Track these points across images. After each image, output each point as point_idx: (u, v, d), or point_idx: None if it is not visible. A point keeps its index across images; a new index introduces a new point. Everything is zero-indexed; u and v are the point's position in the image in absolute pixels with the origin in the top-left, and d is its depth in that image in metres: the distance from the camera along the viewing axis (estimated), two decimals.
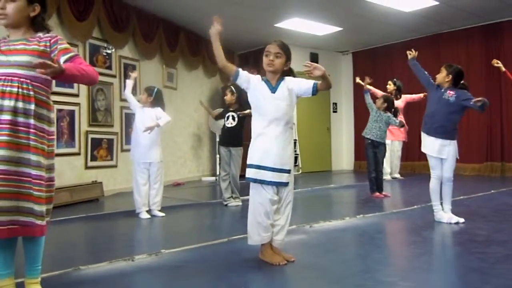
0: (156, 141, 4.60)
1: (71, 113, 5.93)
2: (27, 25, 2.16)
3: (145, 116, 4.57)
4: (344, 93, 10.73)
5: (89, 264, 2.72)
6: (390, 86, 7.62)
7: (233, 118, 5.23)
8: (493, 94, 8.15)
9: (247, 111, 4.90)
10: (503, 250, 2.98)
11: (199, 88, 9.00)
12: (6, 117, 2.00)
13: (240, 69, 2.80)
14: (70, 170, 5.84)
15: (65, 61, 2.09)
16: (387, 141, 7.37)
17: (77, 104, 6.02)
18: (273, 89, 2.79)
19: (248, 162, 2.73)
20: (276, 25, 8.03)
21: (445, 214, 3.92)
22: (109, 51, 6.61)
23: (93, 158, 6.27)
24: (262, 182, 2.69)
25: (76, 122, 5.99)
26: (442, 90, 4.03)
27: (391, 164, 7.63)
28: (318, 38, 9.07)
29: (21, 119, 2.02)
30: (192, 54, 8.48)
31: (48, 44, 2.13)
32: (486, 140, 8.20)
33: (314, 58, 10.15)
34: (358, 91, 10.31)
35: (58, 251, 2.21)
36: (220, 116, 5.54)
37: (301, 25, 8.15)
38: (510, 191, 5.89)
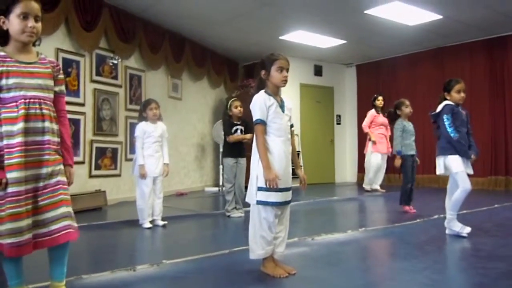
0: (162, 155, 4.68)
1: (77, 122, 5.98)
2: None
3: (158, 130, 4.63)
4: (348, 105, 10.75)
5: (91, 273, 2.73)
6: (380, 101, 7.76)
7: (241, 131, 5.24)
8: (497, 108, 8.17)
9: (248, 136, 5.01)
10: (506, 265, 2.97)
11: (204, 98, 9.06)
12: (47, 137, 2.12)
13: (259, 119, 2.72)
14: (74, 179, 5.85)
15: (58, 92, 2.23)
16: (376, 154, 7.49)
17: (83, 113, 6.07)
18: (282, 108, 2.80)
19: (259, 185, 2.69)
20: (281, 37, 8.10)
21: (458, 224, 3.90)
22: (115, 61, 6.67)
23: (97, 167, 6.30)
24: (273, 204, 2.69)
25: (81, 131, 6.03)
26: (461, 109, 3.92)
27: (378, 175, 7.74)
28: (322, 51, 9.13)
29: (46, 138, 2.12)
30: (197, 65, 8.55)
31: (55, 70, 2.22)
32: (490, 154, 8.19)
33: (318, 70, 10.22)
34: (362, 103, 10.36)
35: None
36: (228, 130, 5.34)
37: (305, 38, 8.22)
38: None
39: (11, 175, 2.00)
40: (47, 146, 2.10)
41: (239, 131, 5.24)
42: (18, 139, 2.03)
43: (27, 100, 2.07)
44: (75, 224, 2.14)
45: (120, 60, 6.75)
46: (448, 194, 3.98)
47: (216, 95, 9.47)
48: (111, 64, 6.62)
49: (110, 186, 6.39)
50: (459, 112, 3.87)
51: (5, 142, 2.04)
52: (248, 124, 5.12)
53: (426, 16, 7.03)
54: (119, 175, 6.66)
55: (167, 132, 4.77)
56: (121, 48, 6.69)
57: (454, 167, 3.81)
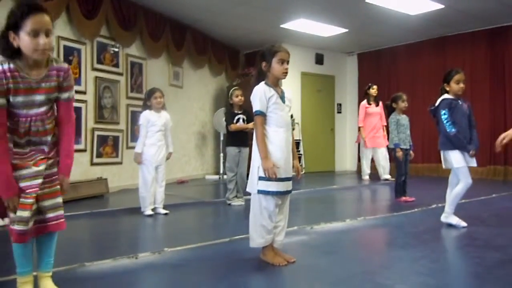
0: (165, 144, 4.73)
1: (78, 110, 6.00)
2: None
3: (162, 119, 4.67)
4: (348, 94, 10.76)
5: (93, 261, 2.78)
6: (374, 90, 7.82)
7: (243, 120, 5.26)
8: (497, 97, 8.18)
9: (251, 125, 4.99)
10: (501, 255, 3.02)
11: (205, 87, 9.07)
12: (47, 149, 2.15)
13: (259, 111, 2.74)
14: (75, 166, 5.83)
15: (63, 99, 2.16)
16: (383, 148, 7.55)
17: (84, 101, 6.09)
18: (283, 99, 2.83)
19: (260, 174, 2.72)
20: (282, 26, 8.07)
21: (455, 217, 3.95)
22: (116, 49, 6.68)
23: (99, 155, 6.35)
24: (273, 193, 2.73)
25: (82, 119, 6.06)
26: (459, 102, 3.90)
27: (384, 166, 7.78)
28: (324, 39, 9.11)
29: (47, 149, 2.16)
30: (198, 53, 8.54)
31: (61, 79, 2.13)
32: (489, 144, 8.19)
33: (319, 58, 10.20)
34: (363, 92, 10.33)
35: (63, 247, 2.28)
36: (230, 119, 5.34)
37: (307, 26, 8.19)
38: (511, 196, 5.92)
39: (23, 171, 2.06)
40: (48, 152, 2.16)
41: (241, 120, 5.26)
42: (28, 149, 2.11)
43: (29, 118, 2.08)
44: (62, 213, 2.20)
45: (121, 47, 6.75)
46: (450, 186, 4.01)
47: (217, 83, 9.47)
48: (112, 52, 6.62)
49: (112, 174, 6.44)
50: (458, 105, 3.86)
51: (14, 150, 2.08)
52: (250, 113, 5.13)
53: (427, 6, 7.00)
54: (120, 163, 6.71)
55: (171, 121, 4.81)
56: (122, 36, 6.68)
57: (455, 162, 3.83)
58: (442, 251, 3.44)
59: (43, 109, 2.10)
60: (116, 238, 3.81)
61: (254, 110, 2.77)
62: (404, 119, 5.45)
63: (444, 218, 4.00)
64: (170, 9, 7.30)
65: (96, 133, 6.30)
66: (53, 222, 2.14)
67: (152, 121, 4.59)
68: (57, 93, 2.14)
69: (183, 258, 2.97)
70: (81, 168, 5.98)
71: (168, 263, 2.89)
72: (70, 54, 5.92)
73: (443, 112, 3.84)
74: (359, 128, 8.07)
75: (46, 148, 2.15)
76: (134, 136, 6.30)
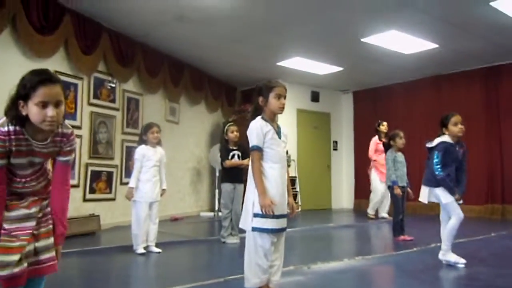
0: (159, 180, 4.65)
1: None
2: None
3: (157, 155, 4.61)
4: (344, 131, 10.79)
5: None
6: (384, 127, 7.69)
7: (238, 156, 5.23)
8: (493, 135, 8.21)
9: (246, 161, 4.92)
10: None
11: (201, 123, 9.07)
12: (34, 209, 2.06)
13: (256, 146, 2.72)
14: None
15: (60, 161, 2.10)
16: (382, 183, 7.42)
17: (79, 136, 6.04)
18: (279, 134, 2.81)
19: (255, 211, 2.66)
20: (278, 63, 8.17)
21: (453, 254, 3.87)
22: (113, 85, 6.70)
23: (92, 191, 6.24)
24: (268, 231, 2.66)
25: (77, 154, 6.00)
26: (456, 148, 3.90)
27: (384, 203, 7.64)
28: (319, 77, 9.21)
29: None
30: (195, 89, 8.59)
31: (63, 145, 2.08)
32: (486, 182, 8.18)
33: (315, 96, 10.29)
34: (359, 129, 10.40)
35: (51, 286, 2.18)
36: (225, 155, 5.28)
37: (302, 64, 8.29)
38: (511, 235, 5.83)
39: (14, 213, 1.98)
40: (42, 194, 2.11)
41: (236, 156, 5.23)
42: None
43: (23, 180, 2.04)
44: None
45: (118, 83, 6.77)
46: (442, 224, 3.96)
47: (213, 119, 9.49)
48: (109, 87, 6.64)
49: (105, 210, 6.32)
50: (454, 151, 3.86)
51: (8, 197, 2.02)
52: (245, 149, 5.11)
53: (422, 46, 7.12)
54: (113, 199, 6.59)
55: (165, 156, 4.76)
56: (120, 72, 6.72)
57: (443, 198, 3.83)
58: None
59: (37, 167, 2.07)
60: (106, 277, 3.69)
61: (251, 145, 2.74)
62: (401, 156, 5.45)
63: (441, 255, 3.92)
64: (168, 46, 7.39)
65: (90, 168, 6.23)
66: (47, 264, 2.03)
67: (147, 156, 4.54)
68: (56, 155, 2.09)
69: None
70: (73, 204, 5.86)
71: None
72: (66, 88, 5.92)
73: (436, 154, 3.84)
74: (369, 162, 7.86)
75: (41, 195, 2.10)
76: (128, 172, 6.23)
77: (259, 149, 2.71)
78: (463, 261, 3.81)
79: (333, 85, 10.11)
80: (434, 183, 3.86)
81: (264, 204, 2.60)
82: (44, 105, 1.87)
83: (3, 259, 1.90)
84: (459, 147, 3.90)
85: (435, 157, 3.83)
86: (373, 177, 7.71)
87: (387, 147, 5.59)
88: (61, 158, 2.10)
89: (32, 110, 1.88)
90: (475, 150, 8.20)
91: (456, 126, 3.85)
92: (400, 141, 5.44)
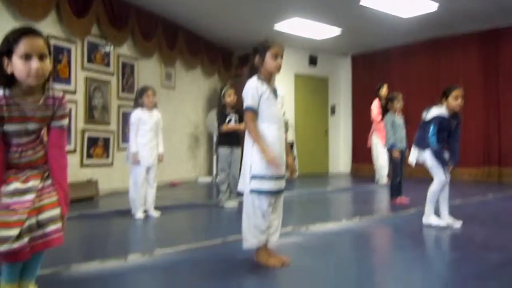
0: (157, 144, 4.62)
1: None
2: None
3: (154, 118, 4.55)
4: (342, 95, 10.71)
5: (80, 263, 2.67)
6: (385, 90, 7.49)
7: (235, 121, 5.18)
8: (490, 99, 8.17)
9: (243, 126, 4.82)
10: (501, 255, 2.95)
11: (197, 88, 8.97)
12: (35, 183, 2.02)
13: (250, 107, 2.66)
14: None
15: (54, 127, 2.07)
16: (383, 147, 7.26)
17: (74, 101, 5.97)
18: (275, 94, 2.75)
19: (253, 173, 2.64)
20: (276, 27, 8.00)
21: (435, 217, 3.91)
22: (107, 49, 6.57)
23: (89, 156, 6.22)
24: (266, 193, 2.65)
25: (72, 120, 5.93)
26: (450, 122, 3.88)
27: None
28: (317, 41, 9.04)
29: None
30: (191, 53, 8.44)
31: (55, 109, 2.05)
32: (483, 145, 8.20)
33: (313, 60, 10.15)
34: (357, 93, 10.33)
35: (50, 249, 2.17)
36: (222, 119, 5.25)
37: (300, 28, 8.12)
38: (507, 197, 5.88)
39: (11, 186, 1.95)
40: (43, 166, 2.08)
41: (233, 120, 5.18)
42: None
43: (20, 148, 2.00)
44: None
45: (112, 47, 6.64)
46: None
47: (210, 84, 9.38)
48: (103, 51, 6.51)
49: (102, 176, 6.30)
50: (448, 124, 3.85)
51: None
52: (242, 114, 5.04)
53: (421, 9, 6.96)
54: (111, 165, 6.58)
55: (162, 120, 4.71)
56: (114, 35, 6.57)
57: (430, 161, 3.86)
58: (441, 251, 3.38)
59: (33, 136, 2.03)
60: (105, 240, 3.70)
61: (244, 106, 2.68)
62: (399, 119, 5.40)
63: (424, 219, 3.97)
64: (162, 8, 7.21)
65: (87, 134, 6.18)
66: (52, 237, 1.99)
67: (143, 119, 4.49)
68: (50, 121, 2.05)
69: (174, 260, 2.87)
70: (71, 169, 5.74)
71: (158, 265, 2.79)
72: (60, 53, 5.81)
73: (433, 126, 3.82)
74: (371, 126, 7.57)
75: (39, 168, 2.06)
76: (125, 137, 6.19)
77: (252, 110, 2.66)
78: (444, 224, 3.85)
79: (331, 49, 9.96)
80: (424, 146, 3.88)
81: (269, 158, 2.56)
82: (27, 57, 1.86)
83: (3, 234, 1.86)
84: (454, 119, 3.89)
85: (431, 128, 3.83)
86: (375, 142, 7.46)
87: (385, 110, 5.54)
88: (55, 124, 2.07)
89: (16, 65, 1.87)
90: (472, 113, 8.19)
91: (456, 101, 3.81)
92: (399, 104, 5.39)
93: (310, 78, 10.15)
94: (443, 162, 3.82)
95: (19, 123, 1.96)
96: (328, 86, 10.59)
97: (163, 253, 2.96)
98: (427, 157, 3.87)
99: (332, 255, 3.09)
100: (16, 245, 1.87)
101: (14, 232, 1.87)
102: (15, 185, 1.96)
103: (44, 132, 2.11)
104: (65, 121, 2.10)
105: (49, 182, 2.06)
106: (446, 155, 3.88)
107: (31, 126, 2.00)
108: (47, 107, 2.02)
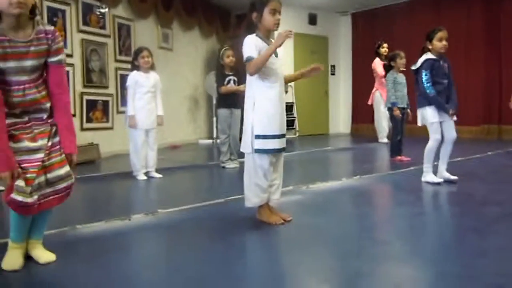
0: (155, 106, 4.58)
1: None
2: (27, 14, 1.98)
3: (151, 80, 4.49)
4: (342, 55, 10.57)
5: (85, 223, 2.72)
6: (385, 49, 7.36)
7: (234, 82, 5.13)
8: (492, 57, 8.06)
9: (242, 87, 4.78)
10: (500, 209, 2.99)
11: (195, 49, 8.84)
12: (45, 116, 2.07)
13: (251, 56, 2.57)
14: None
15: (51, 63, 2.06)
16: (383, 104, 7.17)
17: (71, 64, 5.90)
18: (275, 53, 2.69)
19: (256, 133, 2.62)
20: None
21: (432, 175, 3.93)
22: (102, 10, 6.43)
23: (89, 120, 6.21)
24: (271, 151, 2.65)
25: (70, 83, 5.87)
26: (441, 62, 3.83)
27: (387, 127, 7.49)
28: None
29: (45, 116, 2.07)
30: (188, 14, 8.27)
31: (50, 42, 2.03)
32: (483, 103, 8.15)
33: (312, 19, 9.96)
34: (357, 53, 10.19)
35: (54, 211, 2.20)
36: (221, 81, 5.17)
37: None
38: (506, 153, 5.90)
39: (22, 144, 1.96)
40: (47, 119, 2.07)
41: (232, 81, 5.13)
42: (25, 118, 2.01)
43: (22, 87, 1.98)
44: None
45: (107, 9, 6.50)
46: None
47: (208, 45, 9.24)
48: (98, 13, 6.38)
49: (103, 139, 6.31)
50: (439, 66, 3.79)
51: (10, 120, 1.97)
52: (241, 75, 5.00)
53: None
54: (111, 128, 6.58)
55: (160, 82, 4.66)
56: None
57: (430, 117, 3.81)
58: (440, 207, 3.42)
59: (35, 75, 2.02)
60: (108, 202, 3.75)
61: (246, 57, 2.59)
62: (402, 77, 5.35)
63: (422, 177, 4.00)
64: None
65: (85, 97, 6.14)
66: (61, 194, 2.07)
67: (140, 82, 4.44)
68: (47, 57, 2.04)
69: (177, 220, 2.92)
70: None
71: (161, 225, 2.83)
72: (54, 15, 5.69)
73: (424, 73, 3.79)
74: (375, 88, 7.46)
75: (44, 115, 2.05)
76: (124, 101, 6.14)
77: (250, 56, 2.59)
78: (438, 180, 3.87)
79: (331, 6, 9.74)
80: (425, 102, 3.83)
81: (282, 34, 2.51)
82: None
83: (21, 184, 1.91)
84: (443, 61, 3.84)
85: (423, 75, 3.78)
86: (378, 100, 7.36)
87: (387, 68, 5.47)
88: (52, 59, 2.06)
89: None
90: (474, 70, 8.12)
91: (440, 42, 3.76)
92: (401, 61, 5.32)
93: (309, 38, 9.98)
94: (443, 108, 3.76)
95: (15, 60, 1.95)
96: (328, 46, 10.43)
97: (166, 212, 3.00)
98: (428, 113, 3.81)
99: (333, 212, 3.13)
100: (30, 200, 1.92)
101: (29, 189, 1.92)
102: (26, 143, 1.97)
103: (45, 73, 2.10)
104: (62, 56, 2.10)
105: (57, 139, 2.07)
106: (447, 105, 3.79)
107: (28, 62, 1.99)
108: (40, 40, 2.01)
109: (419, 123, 3.97)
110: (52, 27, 2.09)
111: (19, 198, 1.90)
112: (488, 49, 8.08)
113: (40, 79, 2.06)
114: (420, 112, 3.92)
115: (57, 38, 2.07)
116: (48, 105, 2.07)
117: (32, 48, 1.98)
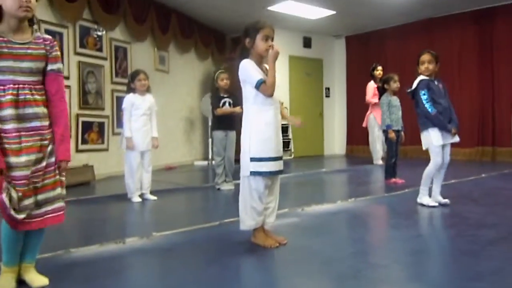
0: (151, 128, 4.60)
1: None
2: (28, 21, 2.07)
3: (147, 103, 4.53)
4: (337, 77, 10.68)
5: (79, 247, 2.69)
6: (379, 72, 7.45)
7: (230, 104, 5.17)
8: (485, 78, 8.17)
9: (238, 109, 4.86)
10: (494, 232, 3.00)
11: (192, 71, 8.92)
12: (44, 123, 2.07)
13: (261, 78, 2.63)
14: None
15: (51, 71, 2.10)
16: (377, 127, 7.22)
17: (68, 86, 5.92)
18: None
19: (252, 155, 2.64)
20: (269, 8, 7.93)
21: (428, 198, 3.95)
22: (99, 33, 6.50)
23: (84, 142, 6.21)
24: (266, 174, 2.66)
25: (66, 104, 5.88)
26: (436, 82, 3.88)
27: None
28: (311, 22, 8.98)
29: (44, 123, 2.07)
30: (184, 36, 8.37)
31: (48, 48, 2.09)
32: (477, 125, 8.22)
33: (307, 42, 10.10)
34: (351, 75, 10.30)
35: (48, 234, 2.19)
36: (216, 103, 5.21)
37: (294, 9, 8.05)
38: (500, 175, 5.94)
39: (13, 159, 1.96)
40: (46, 131, 2.07)
41: (227, 103, 5.17)
42: (12, 125, 1.98)
43: (16, 86, 1.99)
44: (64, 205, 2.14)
45: (104, 31, 6.57)
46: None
47: (204, 67, 9.32)
48: (95, 36, 6.44)
49: (98, 161, 6.31)
50: (434, 86, 3.84)
51: None
52: (236, 97, 5.05)
53: None
54: (106, 150, 6.57)
55: (156, 105, 4.69)
56: (105, 19, 6.50)
57: (434, 140, 3.82)
58: (435, 230, 3.42)
59: (32, 78, 2.04)
60: (102, 224, 3.72)
61: (255, 81, 2.61)
62: (396, 100, 5.41)
63: (418, 199, 4.02)
64: None
65: (81, 119, 6.15)
66: (53, 215, 2.07)
67: (136, 104, 4.47)
68: (45, 62, 2.08)
69: (172, 242, 2.90)
70: None
71: (156, 248, 2.81)
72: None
73: (422, 92, 3.83)
74: (367, 108, 7.52)
75: (37, 123, 2.04)
76: (120, 122, 6.16)
77: (264, 82, 2.62)
78: (434, 203, 3.89)
79: (325, 30, 9.89)
80: (428, 124, 3.84)
81: (271, 54, 2.62)
82: None
83: (14, 195, 1.93)
84: (438, 82, 3.89)
85: (422, 95, 3.81)
86: (372, 124, 7.38)
87: (381, 91, 5.54)
88: (51, 67, 2.11)
89: None
90: (467, 92, 8.21)
91: (422, 65, 3.85)
92: (395, 85, 5.40)
93: (304, 60, 10.10)
94: (445, 127, 3.76)
95: (10, 60, 1.98)
96: (323, 68, 10.55)
97: (161, 235, 2.98)
98: (432, 135, 3.81)
99: (328, 235, 3.12)
100: (19, 216, 1.94)
101: (23, 203, 1.96)
102: (10, 159, 1.96)
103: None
104: (60, 65, 2.15)
105: (52, 160, 2.08)
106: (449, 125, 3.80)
107: (24, 64, 2.02)
108: (38, 44, 2.06)
109: (424, 147, 3.95)
110: (50, 37, 2.16)
111: (11, 211, 1.92)
112: (481, 70, 8.19)
113: (38, 84, 2.07)
114: (423, 136, 3.91)
115: (55, 46, 2.13)
116: (41, 109, 2.06)
117: (29, 51, 2.03)
